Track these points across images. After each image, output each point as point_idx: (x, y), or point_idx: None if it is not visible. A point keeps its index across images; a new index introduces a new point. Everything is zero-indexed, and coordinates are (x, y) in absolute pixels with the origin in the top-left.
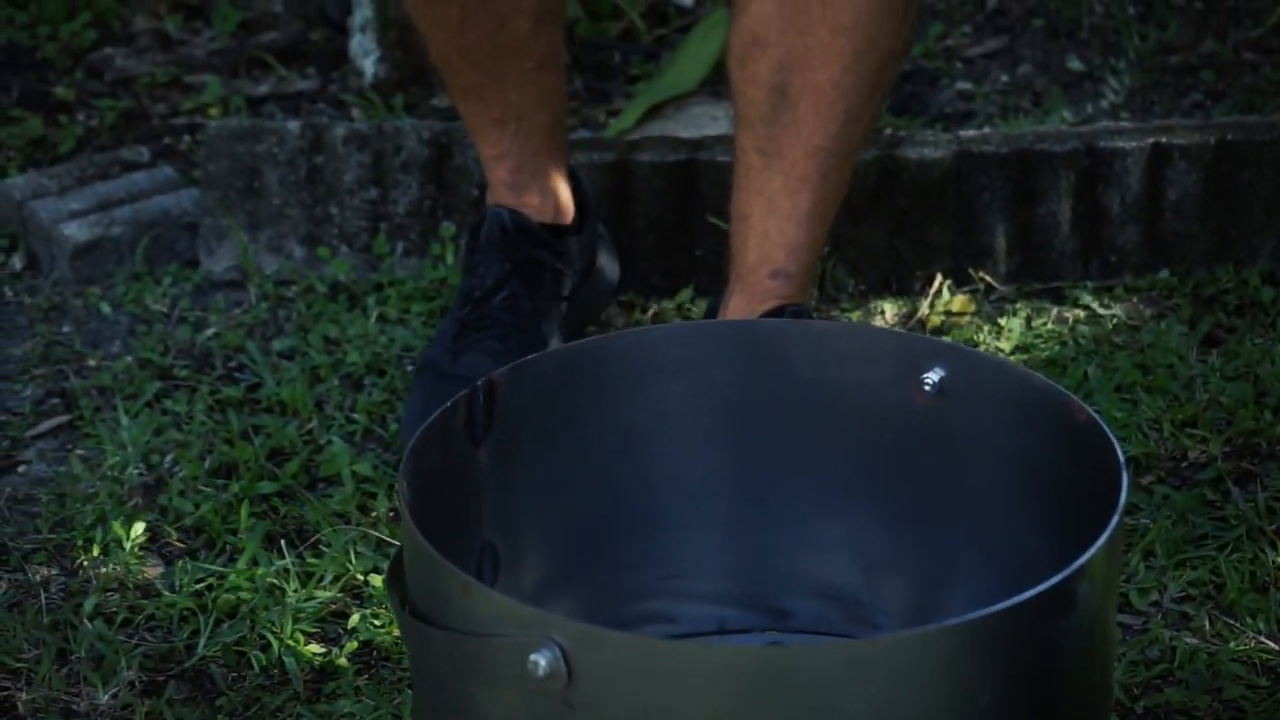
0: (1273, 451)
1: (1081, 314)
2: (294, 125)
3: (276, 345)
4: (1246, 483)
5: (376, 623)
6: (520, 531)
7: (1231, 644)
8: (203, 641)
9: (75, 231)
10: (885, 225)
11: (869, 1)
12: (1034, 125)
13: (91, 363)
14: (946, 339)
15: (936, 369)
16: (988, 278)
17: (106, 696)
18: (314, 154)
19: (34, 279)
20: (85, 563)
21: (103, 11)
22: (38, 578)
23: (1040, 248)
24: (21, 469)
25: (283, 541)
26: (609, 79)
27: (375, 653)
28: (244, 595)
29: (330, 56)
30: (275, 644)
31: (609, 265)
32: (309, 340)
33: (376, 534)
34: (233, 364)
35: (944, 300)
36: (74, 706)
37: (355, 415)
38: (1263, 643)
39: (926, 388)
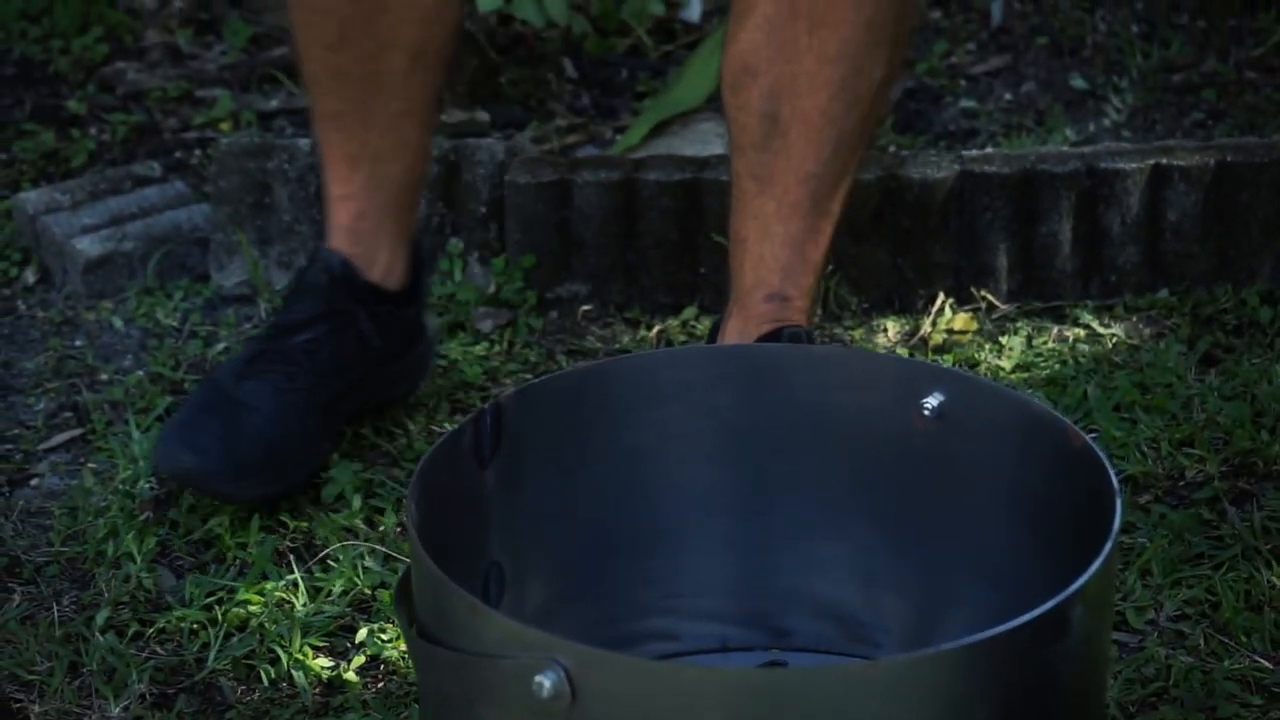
0: (1269, 471)
1: (1082, 333)
2: (304, 142)
3: None
4: (1243, 502)
5: (384, 637)
6: (526, 551)
7: (1226, 662)
8: (212, 655)
9: (87, 246)
10: (888, 244)
11: (855, 31)
12: (1036, 144)
13: (103, 376)
14: (945, 364)
15: (935, 394)
16: (989, 296)
17: (118, 709)
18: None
19: (46, 293)
20: (97, 576)
21: (114, 25)
22: (50, 590)
23: (1041, 267)
24: (34, 482)
25: (291, 556)
26: (616, 95)
27: (383, 667)
28: (253, 609)
29: None
30: (284, 658)
31: (423, 359)
32: None
33: (384, 549)
34: None
35: (946, 318)
36: (86, 719)
37: (363, 430)
38: (1257, 661)
39: (926, 412)
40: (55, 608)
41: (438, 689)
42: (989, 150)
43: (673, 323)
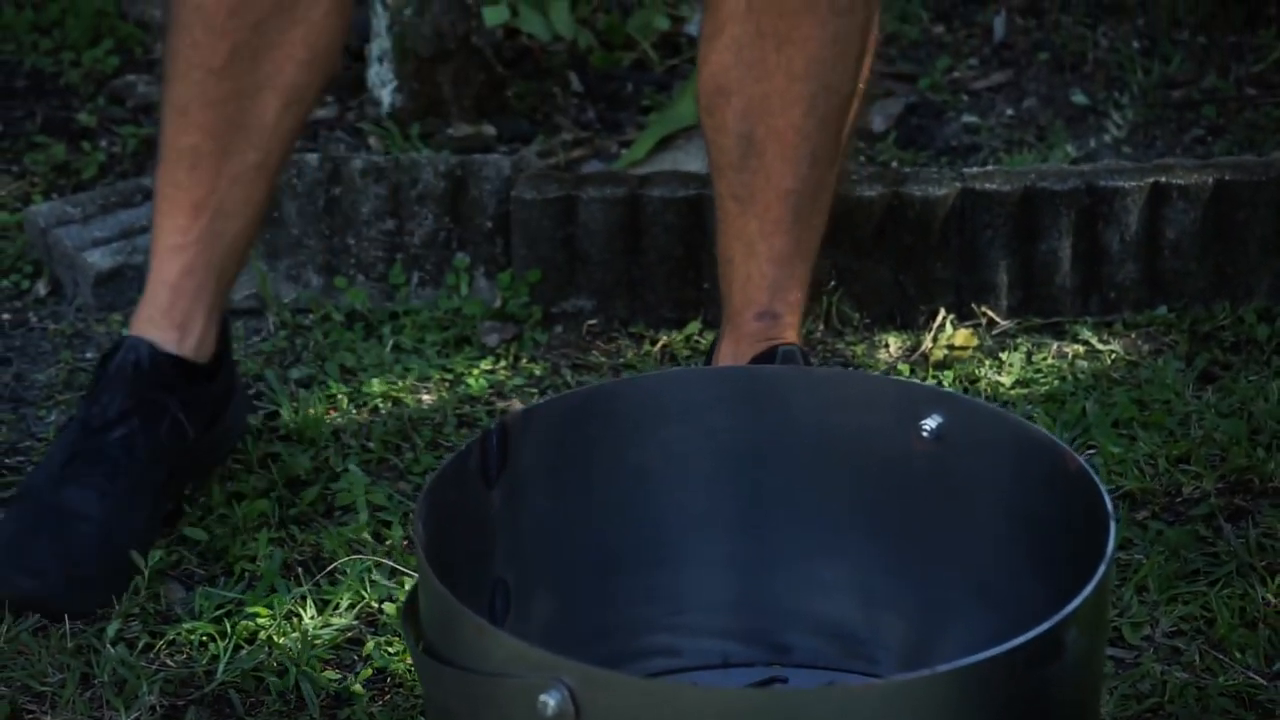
0: (1265, 488)
1: (1081, 349)
2: (313, 157)
3: (294, 373)
4: (1238, 519)
5: (390, 650)
6: (531, 568)
7: (1221, 679)
8: (222, 667)
9: (98, 259)
10: (890, 260)
11: (822, 47)
12: (1037, 160)
13: None
14: (946, 379)
15: (934, 415)
16: (990, 312)
17: None
18: (332, 185)
19: (58, 305)
20: None
21: (125, 38)
22: None
23: (1041, 284)
24: None
25: (300, 569)
26: (621, 109)
27: (389, 679)
28: (262, 622)
29: (348, 84)
30: (292, 670)
31: (236, 419)
32: (326, 369)
33: (390, 563)
34: (251, 391)
35: (947, 334)
36: None
37: (370, 444)
38: (1251, 678)
39: (924, 433)
40: (67, 619)
41: (444, 706)
42: (990, 168)
43: (676, 337)
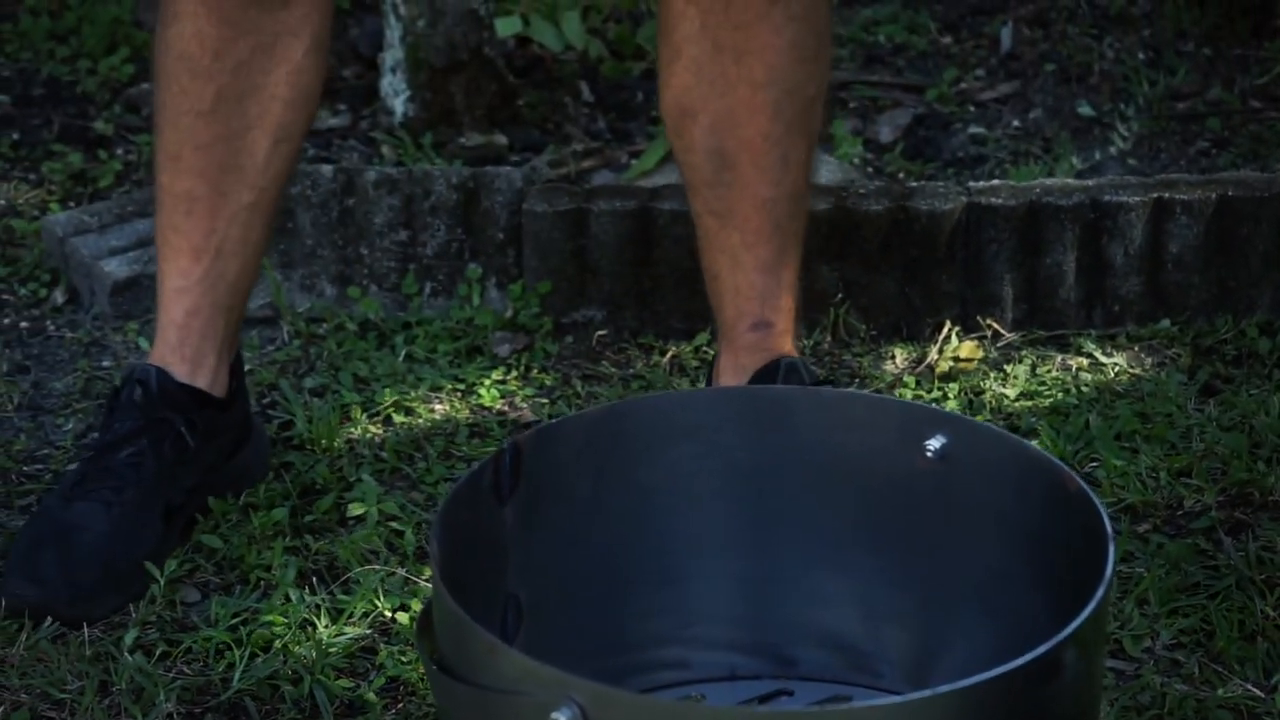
0: (1265, 501)
1: (1085, 362)
2: (327, 169)
3: (308, 383)
4: (1239, 532)
5: (404, 659)
6: (543, 583)
7: (1220, 691)
8: (237, 675)
9: (115, 268)
10: (897, 273)
11: (780, 54)
12: (1043, 172)
13: None
14: (952, 391)
15: (938, 436)
16: (995, 325)
17: None
18: (346, 197)
19: (75, 313)
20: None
21: (141, 46)
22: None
23: (1046, 297)
24: None
25: (314, 578)
26: (631, 118)
27: (402, 688)
28: (277, 630)
29: (361, 93)
30: (307, 678)
31: (257, 459)
32: (339, 379)
33: (403, 573)
34: (266, 400)
35: (952, 346)
36: None
37: (383, 454)
38: (1250, 690)
39: (929, 454)
40: (86, 627)
41: None
42: (995, 182)
43: (685, 347)
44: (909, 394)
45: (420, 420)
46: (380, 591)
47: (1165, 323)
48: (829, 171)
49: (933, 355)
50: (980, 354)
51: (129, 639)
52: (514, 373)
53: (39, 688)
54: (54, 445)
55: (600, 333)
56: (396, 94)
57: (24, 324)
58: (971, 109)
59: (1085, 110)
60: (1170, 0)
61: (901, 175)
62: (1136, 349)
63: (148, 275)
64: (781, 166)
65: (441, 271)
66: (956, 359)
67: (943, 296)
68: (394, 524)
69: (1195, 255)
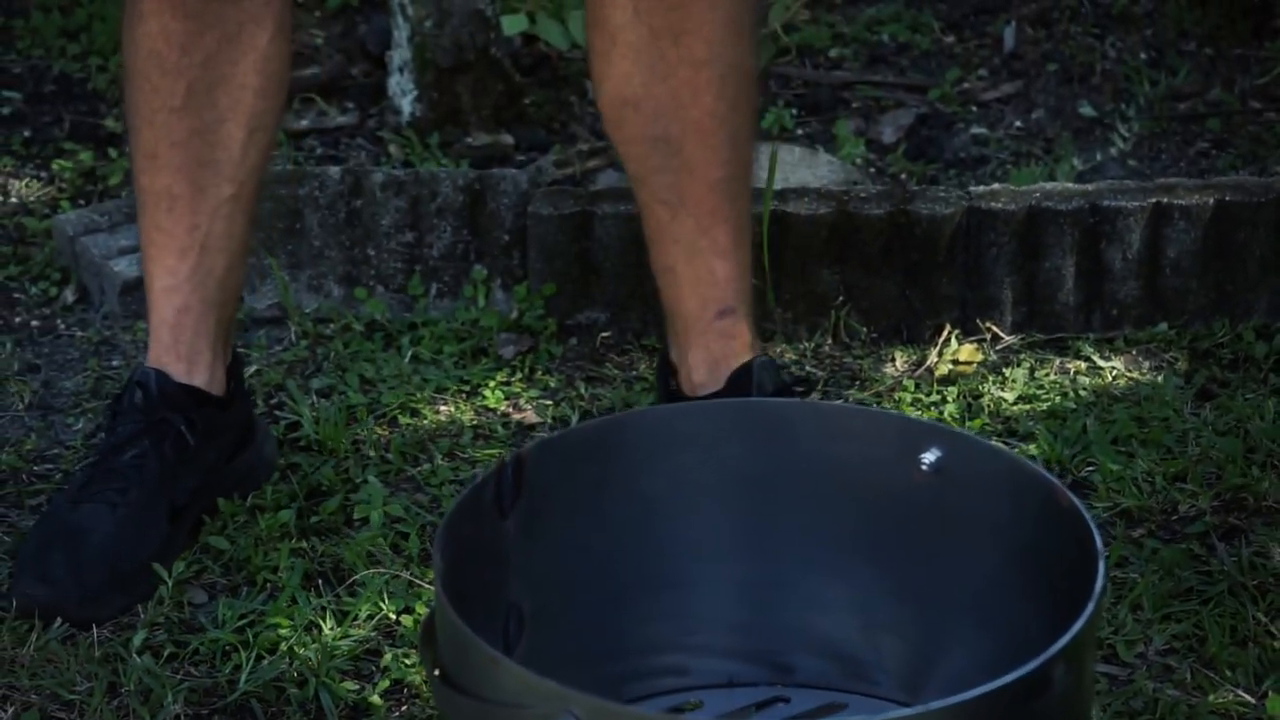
0: (1259, 507)
1: (1083, 365)
2: (334, 170)
3: (315, 384)
4: (1232, 537)
5: (408, 662)
6: (544, 593)
7: (1211, 697)
8: (244, 677)
9: (125, 268)
10: (897, 276)
11: (717, 29)
12: (1044, 173)
13: None
14: (950, 395)
15: (934, 449)
16: (994, 328)
17: None
18: (353, 198)
19: (85, 312)
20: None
21: None
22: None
23: (1045, 300)
24: None
25: (320, 580)
26: None
27: (406, 690)
28: (283, 632)
29: (369, 91)
30: (312, 681)
31: (262, 458)
32: (346, 380)
33: (408, 576)
34: (274, 401)
35: (952, 349)
36: None
37: (389, 455)
38: (1240, 696)
39: (924, 467)
40: (95, 629)
41: None
42: (995, 187)
43: None
44: (908, 397)
45: (425, 422)
46: (385, 594)
47: (1163, 326)
48: (832, 171)
49: (932, 358)
50: (979, 357)
51: (137, 640)
52: (518, 374)
53: (49, 689)
54: (64, 445)
55: (604, 334)
56: (404, 93)
57: (35, 323)
58: (974, 109)
59: (1087, 110)
60: (1172, 0)
61: (904, 176)
62: (1134, 352)
63: None
64: (730, 145)
65: (447, 273)
66: (956, 362)
67: (943, 300)
68: (399, 526)
69: (1193, 260)
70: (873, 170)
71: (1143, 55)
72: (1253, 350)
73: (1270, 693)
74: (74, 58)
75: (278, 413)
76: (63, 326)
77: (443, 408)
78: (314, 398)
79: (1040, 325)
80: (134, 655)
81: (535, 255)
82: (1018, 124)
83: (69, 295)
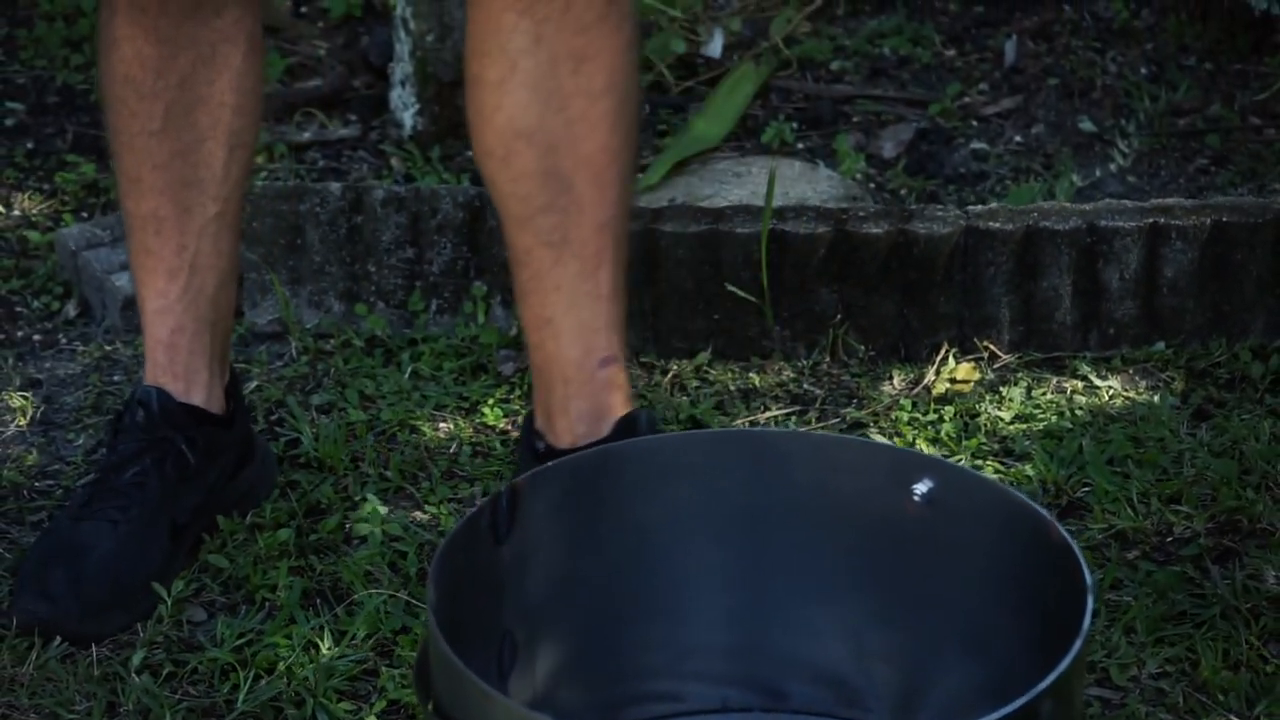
0: (1253, 529)
1: (1080, 385)
2: (335, 186)
3: (315, 400)
4: (1226, 560)
5: (404, 683)
6: (539, 620)
7: None
8: (241, 696)
9: (126, 283)
10: (895, 295)
11: (617, 55)
12: (1042, 189)
13: None
14: (947, 414)
15: (925, 481)
16: (992, 347)
17: None
18: (354, 214)
19: (86, 326)
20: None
21: None
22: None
23: (1042, 319)
24: None
25: (318, 599)
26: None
27: (403, 711)
28: (281, 652)
29: (371, 103)
30: (310, 701)
31: (262, 478)
32: (346, 396)
33: (405, 595)
34: (274, 417)
35: (950, 368)
36: None
37: (388, 473)
38: None
39: (916, 498)
40: (94, 648)
41: None
42: (994, 206)
43: (687, 366)
44: (905, 416)
45: (425, 439)
46: (383, 613)
47: (1160, 346)
48: (831, 187)
49: (930, 377)
50: (977, 375)
51: (136, 659)
52: (517, 391)
53: (48, 708)
54: (65, 461)
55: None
56: (406, 107)
57: (37, 337)
58: (974, 124)
59: (1087, 126)
60: (1173, 14)
61: (903, 192)
62: (1131, 372)
63: None
64: (620, 182)
65: (447, 289)
66: (953, 380)
67: (940, 318)
68: (397, 545)
69: (1190, 280)
70: (872, 186)
71: (1143, 70)
72: (1249, 370)
73: (1262, 717)
74: (77, 68)
75: (278, 429)
76: (64, 341)
77: (442, 425)
78: (314, 414)
79: (1037, 344)
80: (133, 675)
81: None
82: (1017, 139)
83: (71, 310)
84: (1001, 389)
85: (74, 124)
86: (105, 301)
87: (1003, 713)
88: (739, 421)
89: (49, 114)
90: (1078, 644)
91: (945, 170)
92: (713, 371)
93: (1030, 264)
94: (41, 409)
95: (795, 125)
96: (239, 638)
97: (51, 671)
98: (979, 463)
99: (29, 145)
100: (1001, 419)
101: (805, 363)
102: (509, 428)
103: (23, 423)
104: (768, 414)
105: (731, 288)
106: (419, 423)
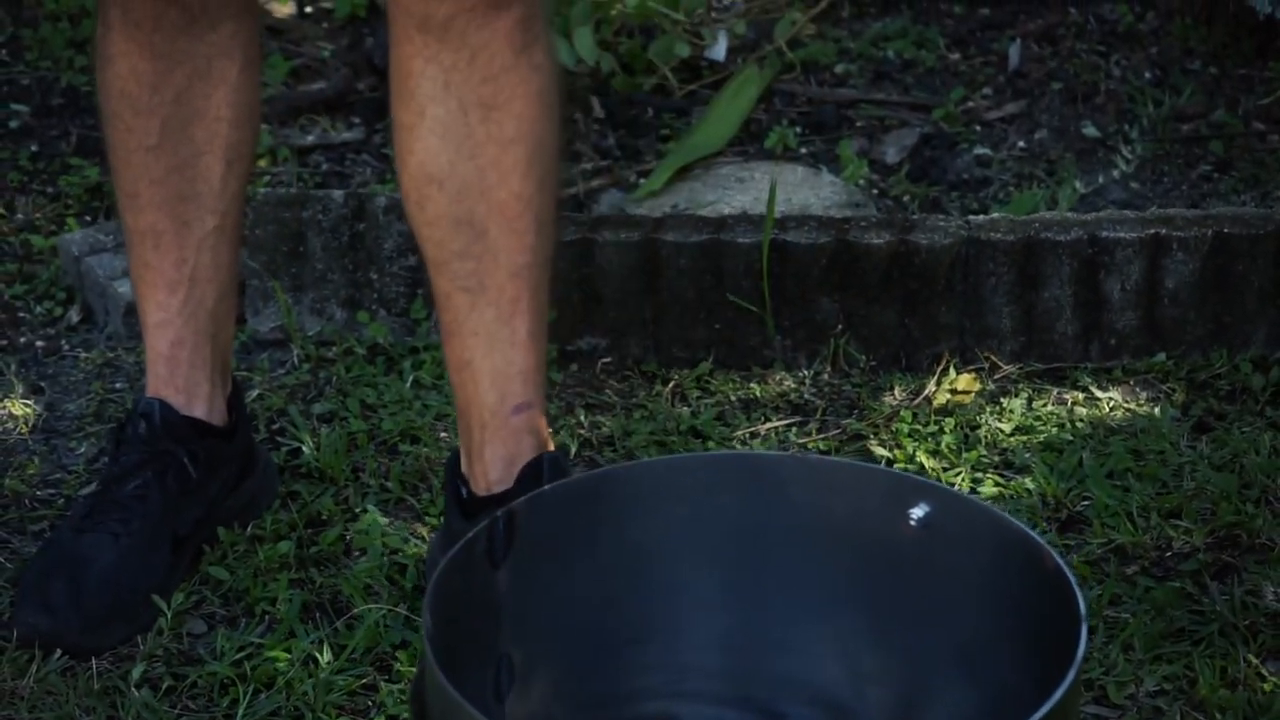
0: (1252, 544)
1: (1080, 396)
2: (338, 194)
3: (317, 408)
4: (1225, 575)
5: (403, 698)
6: (536, 642)
7: None
8: (241, 711)
9: (128, 290)
10: (896, 305)
11: (527, 106)
12: (1045, 196)
13: None
14: (948, 426)
15: (922, 505)
16: (993, 357)
17: None
18: (356, 221)
19: (89, 333)
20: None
21: None
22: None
23: (1043, 330)
24: None
25: (318, 612)
26: (641, 135)
27: None
28: (280, 666)
29: (375, 106)
30: (308, 716)
31: (263, 488)
32: (348, 405)
33: (404, 610)
34: (275, 426)
35: (950, 378)
36: None
37: (389, 484)
38: None
39: (912, 522)
40: (94, 661)
41: None
42: (995, 216)
43: (688, 376)
44: (906, 427)
45: (426, 449)
46: (382, 627)
47: (1161, 356)
48: (834, 193)
49: (931, 387)
50: (978, 386)
51: (136, 673)
52: None
53: None
54: (66, 469)
55: (604, 360)
56: None
57: (40, 343)
58: (978, 129)
59: (1090, 131)
60: (1178, 18)
61: (906, 198)
62: (1132, 383)
63: None
64: (535, 229)
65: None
66: (954, 391)
67: (941, 329)
68: (397, 557)
69: (1191, 291)
70: (875, 192)
71: (1147, 74)
72: (1250, 382)
73: None
74: (81, 70)
75: (279, 438)
76: (67, 347)
77: (443, 434)
78: (315, 423)
79: (1038, 355)
80: (132, 689)
81: None
82: (1021, 144)
83: (74, 315)
84: (1002, 400)
85: (78, 126)
86: (108, 307)
87: None
88: (739, 432)
89: (53, 116)
90: (1071, 674)
91: (948, 176)
92: (714, 381)
93: (1031, 275)
94: (44, 416)
95: (799, 130)
96: (239, 651)
97: (52, 685)
98: (979, 475)
99: (33, 148)
100: (1002, 431)
101: (806, 373)
102: None
103: (25, 430)
104: (768, 425)
105: (733, 297)
106: (420, 433)
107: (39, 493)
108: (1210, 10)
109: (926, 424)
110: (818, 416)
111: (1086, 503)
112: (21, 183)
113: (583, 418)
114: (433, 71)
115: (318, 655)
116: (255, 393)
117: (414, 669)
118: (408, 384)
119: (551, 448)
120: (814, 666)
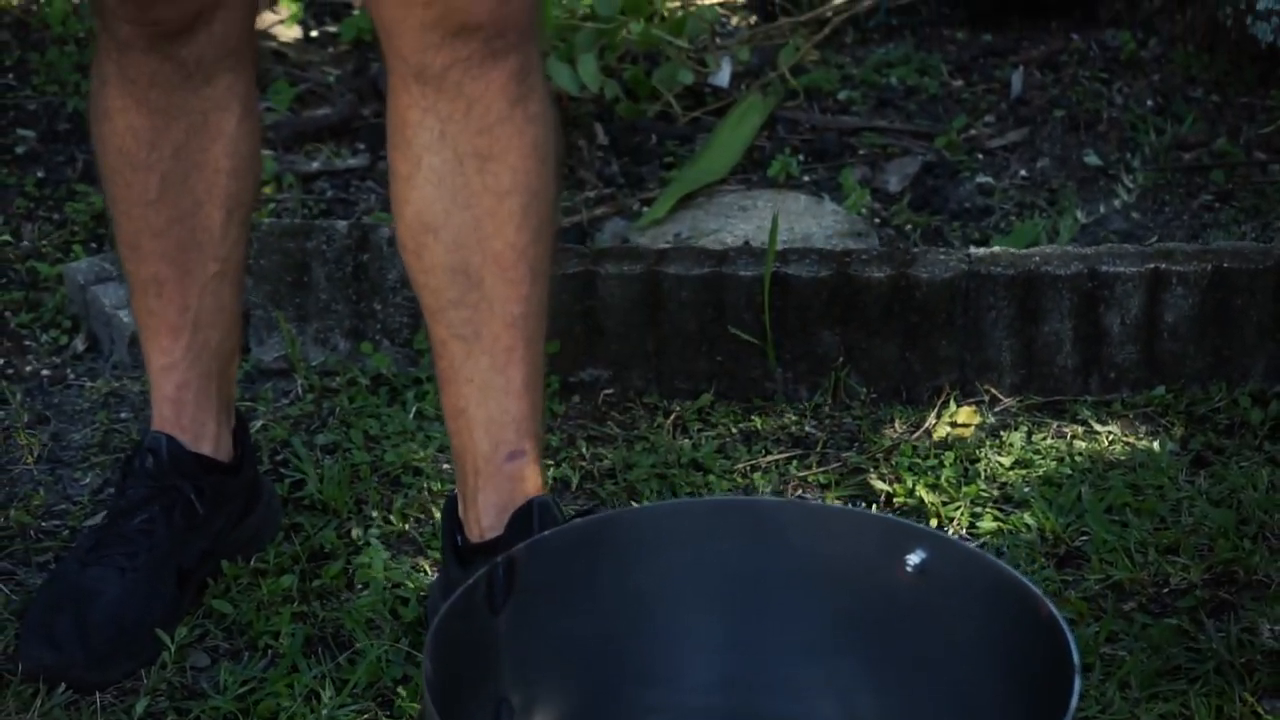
0: (1249, 580)
1: (1080, 430)
2: (342, 224)
3: (320, 439)
4: (1221, 613)
5: None
6: (535, 686)
7: None
8: None
9: (133, 319)
10: (897, 338)
11: (523, 158)
12: (1046, 226)
13: None
14: (948, 460)
15: (918, 551)
16: (993, 390)
17: None
18: (360, 252)
19: (94, 361)
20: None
21: None
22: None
23: (1043, 363)
24: None
25: (320, 647)
26: (644, 163)
27: None
28: (283, 702)
29: (380, 132)
30: None
31: (267, 522)
32: (351, 436)
33: (406, 645)
34: (279, 458)
35: (951, 411)
36: None
37: (391, 517)
38: None
39: (909, 568)
40: (98, 695)
41: None
42: (996, 250)
43: (689, 408)
44: (906, 461)
45: (428, 481)
46: (384, 662)
47: (1160, 390)
48: (836, 222)
49: (931, 420)
50: (978, 419)
51: (140, 707)
52: None
53: None
54: (72, 500)
55: (606, 392)
56: None
57: (45, 372)
58: (980, 157)
59: (1092, 159)
60: (1180, 45)
61: (908, 228)
62: (1131, 416)
63: None
64: (530, 279)
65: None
66: (954, 424)
67: (942, 362)
68: (399, 591)
69: (1190, 325)
70: (877, 221)
71: (1149, 102)
72: (1248, 416)
73: None
74: (87, 95)
75: (283, 470)
76: (72, 376)
77: (445, 466)
78: (318, 454)
79: (1038, 388)
80: None
81: None
82: (1023, 173)
83: (79, 344)
84: (1002, 433)
85: (84, 152)
86: (113, 336)
87: None
88: (740, 465)
89: (60, 141)
90: None
91: (950, 205)
92: (715, 413)
93: (1031, 308)
94: (49, 446)
95: (801, 158)
96: (241, 685)
97: (56, 718)
98: (978, 510)
99: (39, 174)
100: (1001, 464)
101: (807, 405)
102: None
103: (30, 460)
104: (769, 458)
105: (734, 330)
106: (422, 464)
107: (44, 524)
108: (1212, 38)
109: (926, 457)
110: (818, 449)
111: (1085, 538)
112: (28, 209)
113: (584, 449)
114: (430, 121)
115: (320, 691)
116: (259, 423)
117: (415, 704)
118: (410, 415)
119: (544, 492)
120: (812, 709)
